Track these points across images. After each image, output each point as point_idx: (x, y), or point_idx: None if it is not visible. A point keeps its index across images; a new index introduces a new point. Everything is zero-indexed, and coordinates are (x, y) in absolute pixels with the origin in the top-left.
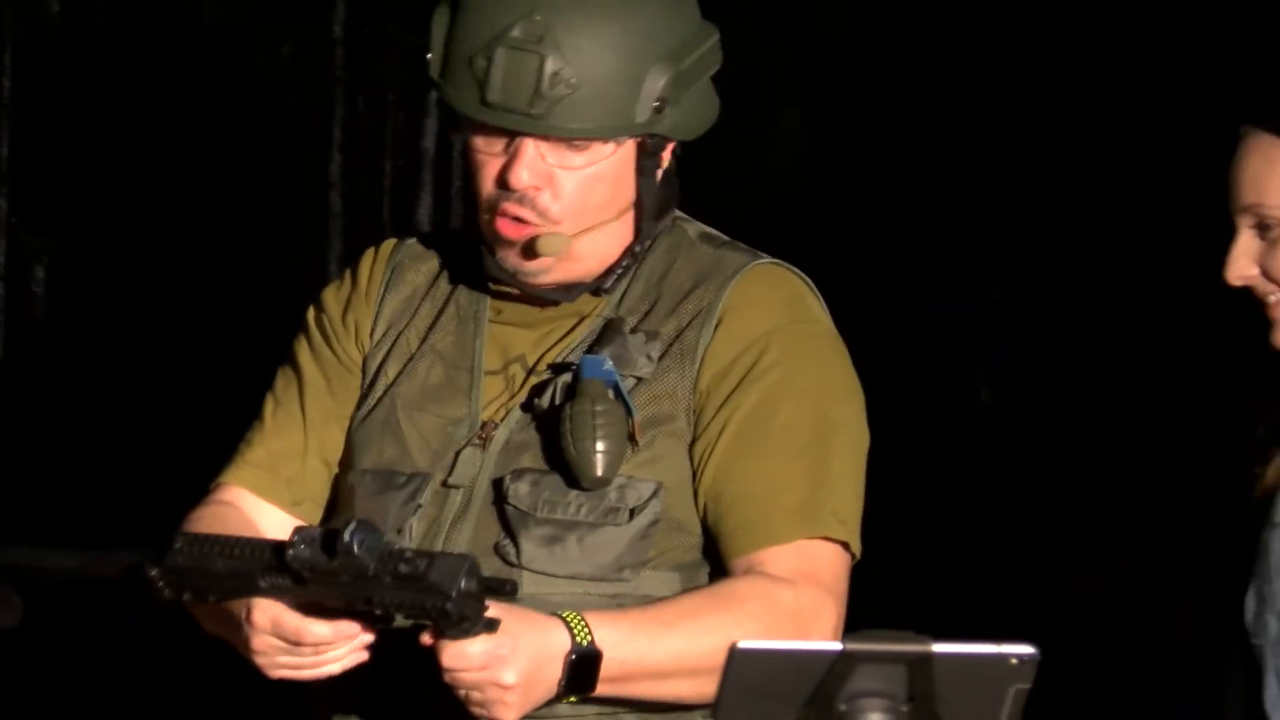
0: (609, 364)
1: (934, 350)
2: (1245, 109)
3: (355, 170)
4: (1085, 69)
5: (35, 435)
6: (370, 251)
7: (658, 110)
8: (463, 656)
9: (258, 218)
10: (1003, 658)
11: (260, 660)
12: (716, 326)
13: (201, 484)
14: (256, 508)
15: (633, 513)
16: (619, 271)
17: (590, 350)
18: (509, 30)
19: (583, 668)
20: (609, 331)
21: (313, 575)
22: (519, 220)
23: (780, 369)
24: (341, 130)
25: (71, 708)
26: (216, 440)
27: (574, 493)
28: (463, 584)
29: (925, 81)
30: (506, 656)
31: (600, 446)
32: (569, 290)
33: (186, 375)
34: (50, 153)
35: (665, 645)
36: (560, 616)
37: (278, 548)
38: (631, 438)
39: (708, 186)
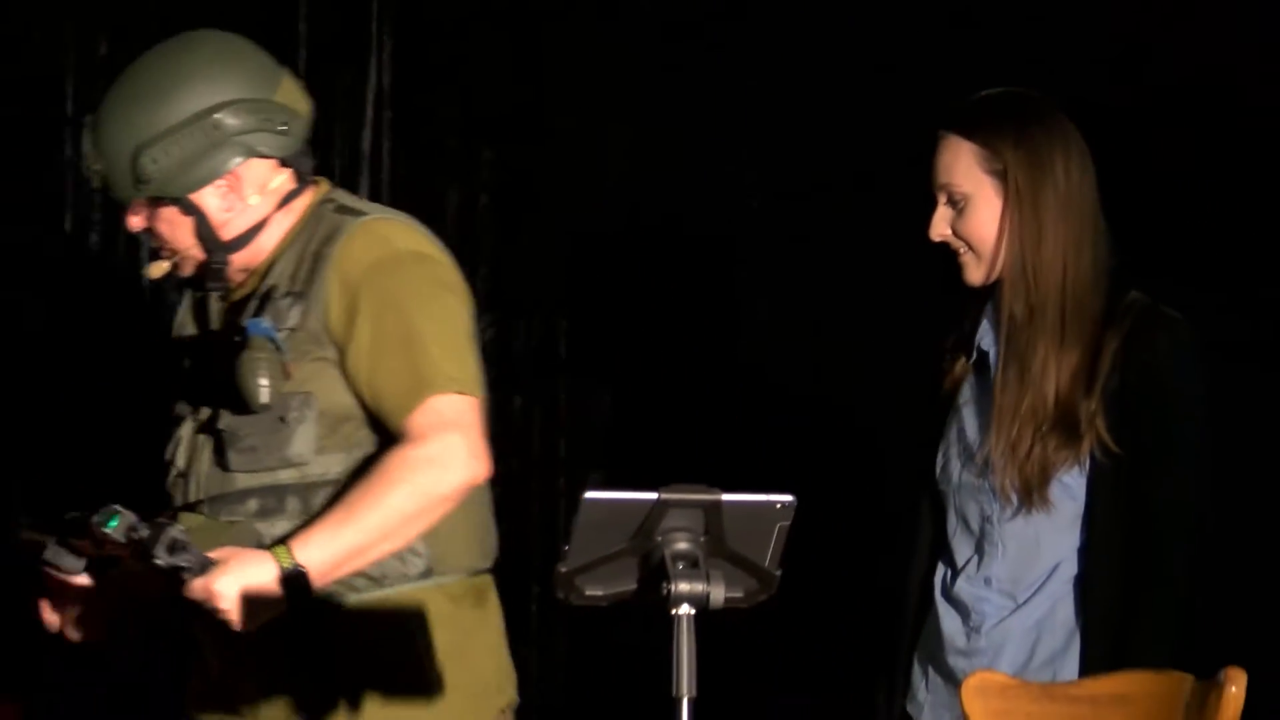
0: (266, 323)
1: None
2: (941, 117)
3: None
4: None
5: None
6: None
7: (139, 182)
8: (195, 590)
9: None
10: (770, 503)
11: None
12: (330, 276)
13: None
14: None
15: (295, 419)
16: (210, 278)
17: (256, 315)
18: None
19: (296, 585)
20: (265, 300)
21: (98, 541)
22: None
23: (379, 296)
24: None
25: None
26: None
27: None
28: (164, 549)
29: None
30: (222, 583)
31: (262, 383)
32: (196, 285)
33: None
34: None
35: (349, 535)
36: (269, 549)
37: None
38: (285, 372)
39: None
